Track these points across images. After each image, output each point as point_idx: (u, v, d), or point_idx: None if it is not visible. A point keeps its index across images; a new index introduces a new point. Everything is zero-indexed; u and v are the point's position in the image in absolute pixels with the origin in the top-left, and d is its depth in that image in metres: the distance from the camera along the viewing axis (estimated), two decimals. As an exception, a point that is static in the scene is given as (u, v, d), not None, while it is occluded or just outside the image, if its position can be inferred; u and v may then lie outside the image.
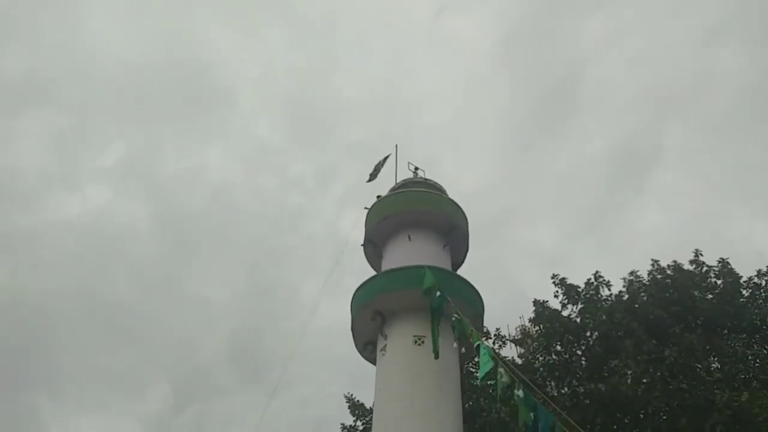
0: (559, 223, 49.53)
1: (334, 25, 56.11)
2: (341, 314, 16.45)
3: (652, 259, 16.22)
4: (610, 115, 51.54)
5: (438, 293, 11.88)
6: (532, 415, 8.79)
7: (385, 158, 18.46)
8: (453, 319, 11.37)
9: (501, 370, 9.64)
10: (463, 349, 12.75)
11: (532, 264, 45.21)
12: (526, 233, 48.12)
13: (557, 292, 16.02)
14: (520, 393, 9.12)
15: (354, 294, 14.46)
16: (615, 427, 13.30)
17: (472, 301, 14.10)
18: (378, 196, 16.90)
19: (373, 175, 18.45)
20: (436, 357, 11.72)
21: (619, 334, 14.14)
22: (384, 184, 17.69)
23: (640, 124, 49.86)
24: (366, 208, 16.77)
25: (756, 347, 14.11)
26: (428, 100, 53.58)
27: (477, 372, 11.68)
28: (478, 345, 10.54)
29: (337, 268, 17.26)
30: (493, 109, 54.30)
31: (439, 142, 50.24)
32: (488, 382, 11.83)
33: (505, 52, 53.92)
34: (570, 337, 15.10)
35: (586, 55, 51.93)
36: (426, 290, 11.96)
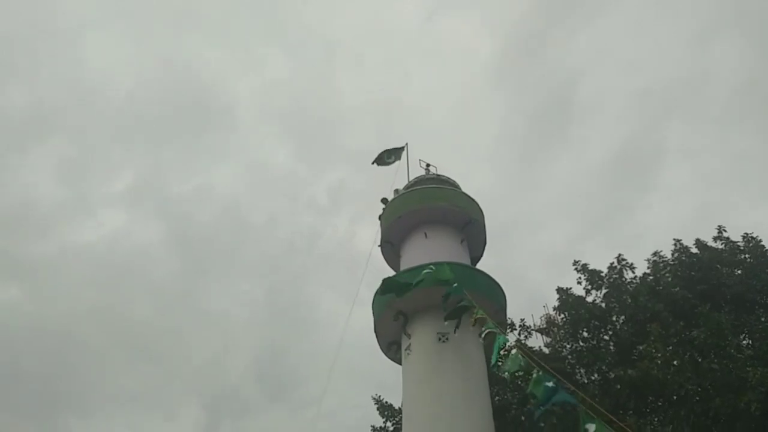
0: (566, 229, 49.20)
1: (330, 39, 56.54)
2: (359, 326, 16.46)
3: (674, 239, 15.97)
4: (611, 120, 51.42)
5: (455, 285, 11.93)
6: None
7: (396, 149, 18.27)
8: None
9: (517, 354, 9.80)
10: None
11: (542, 268, 44.84)
12: (533, 240, 47.77)
13: (580, 278, 15.84)
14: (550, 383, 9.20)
15: (375, 296, 14.44)
16: (648, 410, 13.11)
17: (494, 294, 14.00)
18: (395, 192, 16.87)
19: (380, 160, 18.23)
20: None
21: (647, 315, 13.93)
22: (397, 183, 17.65)
23: (640, 126, 49.90)
24: (384, 200, 16.69)
25: (787, 321, 13.78)
26: (427, 113, 53.87)
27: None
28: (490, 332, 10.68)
29: (355, 279, 17.29)
30: (492, 122, 54.35)
31: (439, 155, 50.29)
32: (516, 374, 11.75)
33: (500, 64, 53.92)
34: (596, 323, 14.91)
35: (581, 63, 51.96)
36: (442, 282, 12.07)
